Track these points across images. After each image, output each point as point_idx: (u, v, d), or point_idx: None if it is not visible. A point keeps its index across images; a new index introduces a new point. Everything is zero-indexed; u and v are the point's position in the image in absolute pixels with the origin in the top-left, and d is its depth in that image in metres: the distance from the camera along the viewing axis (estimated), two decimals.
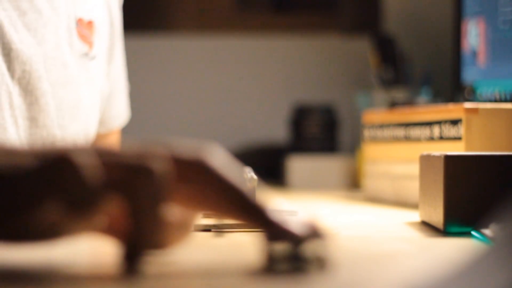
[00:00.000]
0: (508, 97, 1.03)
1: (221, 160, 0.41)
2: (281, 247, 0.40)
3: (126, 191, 0.39)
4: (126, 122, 0.98)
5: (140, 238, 0.39)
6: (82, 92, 0.82)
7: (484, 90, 1.07)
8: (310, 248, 0.40)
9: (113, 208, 0.39)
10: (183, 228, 0.43)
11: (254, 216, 0.41)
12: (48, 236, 0.40)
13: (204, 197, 0.41)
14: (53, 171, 0.38)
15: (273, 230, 0.41)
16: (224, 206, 0.41)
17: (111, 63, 0.90)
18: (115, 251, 0.41)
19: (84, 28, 0.84)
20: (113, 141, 0.98)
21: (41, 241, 0.41)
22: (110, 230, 0.42)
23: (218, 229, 0.62)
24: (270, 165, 1.60)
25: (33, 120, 0.77)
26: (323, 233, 0.41)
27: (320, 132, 1.49)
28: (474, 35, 1.12)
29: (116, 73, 0.92)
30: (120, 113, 0.96)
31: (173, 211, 0.42)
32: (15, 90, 0.75)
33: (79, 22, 0.83)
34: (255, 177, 0.64)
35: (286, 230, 0.40)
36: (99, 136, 0.92)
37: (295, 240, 0.40)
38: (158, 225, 0.39)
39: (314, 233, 0.41)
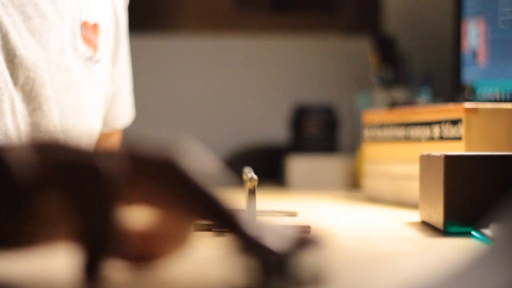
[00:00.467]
0: (508, 97, 1.03)
1: (193, 159, 0.37)
2: (256, 262, 0.35)
3: (68, 190, 0.35)
4: (131, 121, 0.98)
5: (94, 244, 0.35)
6: (86, 96, 0.82)
7: (484, 90, 1.07)
8: (296, 261, 0.35)
9: (50, 208, 0.36)
10: (175, 240, 0.40)
11: (224, 223, 0.36)
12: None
13: (171, 200, 0.37)
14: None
15: (246, 241, 0.36)
16: (193, 210, 0.37)
17: (116, 64, 0.90)
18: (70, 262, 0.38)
19: (89, 31, 0.83)
20: (115, 141, 0.98)
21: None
22: (66, 236, 0.38)
23: (219, 229, 0.62)
24: (270, 165, 1.60)
25: (35, 125, 0.77)
26: (315, 242, 0.36)
27: (320, 132, 1.49)
28: (474, 35, 1.12)
29: (121, 73, 0.92)
30: (124, 113, 0.96)
31: (163, 221, 0.39)
32: (18, 96, 0.75)
33: (84, 25, 0.82)
34: (255, 177, 0.64)
35: (260, 243, 0.36)
36: (101, 136, 0.92)
37: (269, 254, 0.35)
38: (112, 230, 0.35)
39: (301, 244, 0.36)
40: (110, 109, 0.91)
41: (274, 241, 0.36)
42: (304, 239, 0.37)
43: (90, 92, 0.83)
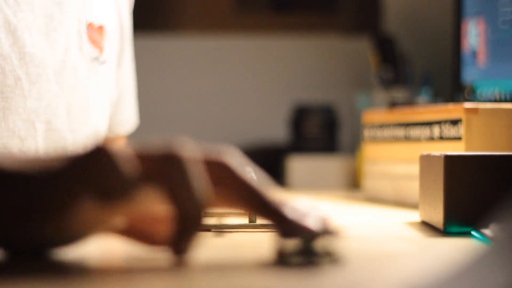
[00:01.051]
0: (508, 97, 1.03)
1: (239, 161, 0.43)
2: (293, 243, 0.42)
3: (161, 180, 0.40)
4: (134, 128, 0.97)
5: (186, 221, 0.40)
6: (92, 96, 0.82)
7: (484, 90, 1.07)
8: (322, 244, 0.42)
9: (148, 199, 0.41)
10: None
11: (271, 212, 0.43)
12: (81, 235, 0.41)
13: (226, 195, 0.43)
14: (89, 162, 0.39)
15: (289, 226, 0.42)
16: (243, 203, 0.43)
17: (120, 68, 0.90)
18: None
19: (95, 32, 0.83)
20: (119, 147, 0.97)
21: (73, 242, 0.42)
22: (129, 231, 0.43)
23: (218, 229, 0.62)
24: (270, 165, 1.60)
25: (48, 123, 0.77)
26: (335, 229, 0.43)
27: (320, 132, 1.49)
28: (474, 35, 1.12)
29: (125, 78, 0.92)
30: (128, 119, 0.96)
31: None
32: (30, 94, 0.75)
33: (90, 26, 0.83)
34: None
35: (302, 226, 0.42)
36: (106, 140, 0.91)
37: (309, 235, 0.42)
38: (199, 205, 0.40)
39: (327, 229, 0.42)
40: (114, 114, 0.91)
41: (311, 224, 0.42)
42: (326, 224, 0.43)
43: (96, 92, 0.83)
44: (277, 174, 1.55)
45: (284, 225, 0.42)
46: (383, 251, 0.52)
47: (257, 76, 1.85)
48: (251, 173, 0.44)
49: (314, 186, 1.39)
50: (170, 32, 1.85)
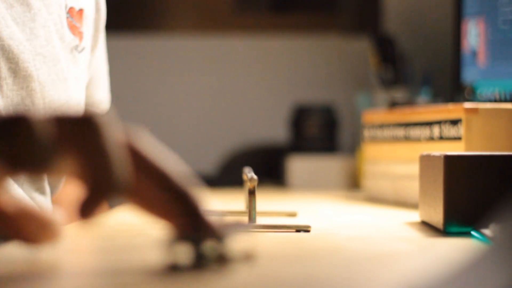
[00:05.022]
0: (508, 97, 1.03)
1: (147, 143, 0.42)
2: (207, 243, 0.40)
3: (76, 141, 0.39)
4: (108, 108, 0.94)
5: (97, 185, 0.39)
6: (72, 89, 0.78)
7: (484, 90, 1.07)
8: (233, 245, 0.41)
9: (65, 162, 0.40)
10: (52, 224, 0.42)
11: (183, 201, 0.41)
12: None
13: (140, 178, 0.42)
14: (8, 126, 0.39)
15: (198, 221, 0.41)
16: (156, 188, 0.42)
17: (95, 51, 0.86)
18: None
19: (75, 18, 0.79)
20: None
21: None
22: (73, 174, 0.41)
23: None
24: (270, 165, 1.60)
25: None
26: (245, 230, 0.42)
27: (320, 132, 1.49)
28: (474, 35, 1.12)
29: (99, 60, 0.88)
30: (102, 99, 0.92)
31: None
32: (7, 89, 0.71)
33: (70, 11, 0.78)
34: (255, 177, 0.64)
35: (210, 225, 0.41)
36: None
37: (217, 235, 0.40)
38: (113, 171, 0.39)
39: (236, 230, 0.41)
40: (89, 96, 0.87)
41: (218, 225, 0.41)
42: (233, 225, 0.42)
43: (76, 85, 0.79)
44: (277, 174, 1.55)
45: (193, 219, 0.41)
46: (383, 251, 0.52)
47: (257, 76, 1.85)
48: (166, 158, 0.42)
49: (314, 186, 1.39)
50: (170, 32, 1.85)
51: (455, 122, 0.85)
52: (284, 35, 1.84)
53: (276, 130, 1.71)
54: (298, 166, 1.44)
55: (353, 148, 1.53)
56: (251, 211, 0.64)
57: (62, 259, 0.45)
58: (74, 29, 0.79)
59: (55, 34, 0.75)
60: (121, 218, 0.75)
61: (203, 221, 0.41)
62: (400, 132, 0.99)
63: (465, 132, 0.83)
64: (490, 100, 1.05)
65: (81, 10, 0.80)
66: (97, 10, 0.85)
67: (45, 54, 0.74)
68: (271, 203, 1.00)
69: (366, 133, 1.10)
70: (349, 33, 1.83)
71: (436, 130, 0.90)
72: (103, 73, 0.91)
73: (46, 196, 0.76)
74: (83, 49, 0.80)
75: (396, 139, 1.00)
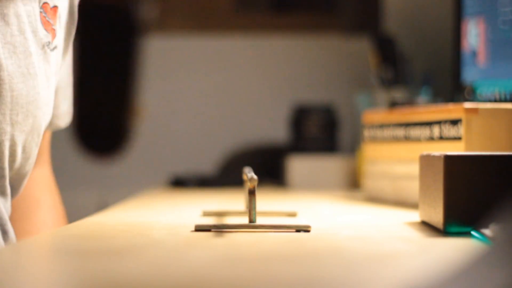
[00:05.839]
0: (508, 97, 1.03)
1: None
2: None
3: None
4: (69, 123, 0.88)
5: None
6: (41, 86, 0.74)
7: (484, 90, 1.07)
8: None
9: None
10: None
11: None
12: None
13: None
14: None
15: None
16: None
17: (65, 55, 0.82)
18: None
19: (49, 14, 0.76)
20: (45, 143, 0.88)
21: None
22: None
23: (218, 229, 0.62)
24: (270, 165, 1.60)
25: None
26: None
27: (320, 132, 1.49)
28: (474, 35, 1.12)
29: (67, 68, 0.85)
30: (69, 110, 0.87)
31: None
32: None
33: (44, 7, 0.75)
34: (255, 177, 0.64)
35: None
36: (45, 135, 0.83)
37: None
38: None
39: None
40: (56, 106, 0.83)
41: None
42: None
43: (45, 82, 0.75)
44: (277, 174, 1.55)
45: None
46: (383, 251, 0.52)
47: (257, 76, 1.85)
48: None
49: (314, 186, 1.39)
50: (170, 32, 1.85)
51: (455, 122, 0.85)
52: (284, 35, 1.84)
53: (276, 130, 1.71)
54: (298, 166, 1.44)
55: (353, 148, 1.53)
56: (251, 211, 0.64)
57: (62, 259, 0.45)
58: (47, 25, 0.76)
59: (28, 26, 0.72)
60: (121, 218, 0.75)
61: None
62: (400, 132, 0.99)
63: (465, 132, 0.83)
64: (490, 100, 1.05)
65: (55, 8, 0.77)
66: (71, 13, 0.82)
67: (16, 45, 0.71)
68: (271, 203, 1.00)
69: (366, 133, 1.10)
70: (349, 33, 1.83)
71: (436, 130, 0.90)
72: (69, 83, 0.87)
73: (6, 198, 0.74)
74: (55, 47, 0.77)
75: (396, 139, 1.00)
